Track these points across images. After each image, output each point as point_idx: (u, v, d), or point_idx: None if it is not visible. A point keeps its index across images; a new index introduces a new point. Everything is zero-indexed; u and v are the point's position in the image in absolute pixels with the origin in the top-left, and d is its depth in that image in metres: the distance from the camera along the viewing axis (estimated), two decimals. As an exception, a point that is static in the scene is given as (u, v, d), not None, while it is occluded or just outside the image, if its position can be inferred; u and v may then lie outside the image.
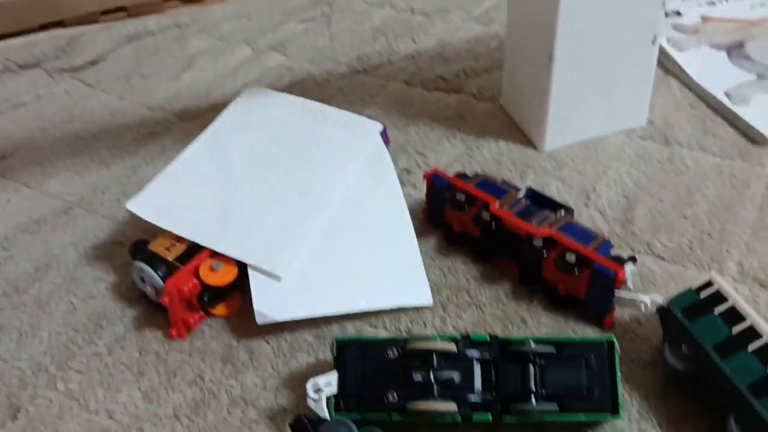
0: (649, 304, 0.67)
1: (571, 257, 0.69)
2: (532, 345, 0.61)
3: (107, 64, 1.15)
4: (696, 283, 0.65)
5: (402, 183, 0.87)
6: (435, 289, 0.74)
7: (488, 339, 0.62)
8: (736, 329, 0.61)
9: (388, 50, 1.13)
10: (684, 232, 0.79)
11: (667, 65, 1.04)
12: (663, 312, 0.64)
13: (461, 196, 0.75)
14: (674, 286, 0.73)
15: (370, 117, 0.89)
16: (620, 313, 0.70)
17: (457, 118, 0.97)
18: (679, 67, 1.03)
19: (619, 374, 0.60)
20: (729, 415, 0.57)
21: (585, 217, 0.81)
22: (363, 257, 0.73)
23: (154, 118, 1.03)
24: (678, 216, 0.81)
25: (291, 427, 0.58)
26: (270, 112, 0.87)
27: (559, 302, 0.72)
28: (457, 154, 0.91)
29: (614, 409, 0.59)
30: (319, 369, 0.67)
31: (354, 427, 0.56)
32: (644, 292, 0.73)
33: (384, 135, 0.87)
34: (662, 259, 0.76)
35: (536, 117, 0.90)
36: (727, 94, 0.97)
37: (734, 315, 0.61)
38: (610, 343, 0.61)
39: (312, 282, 0.71)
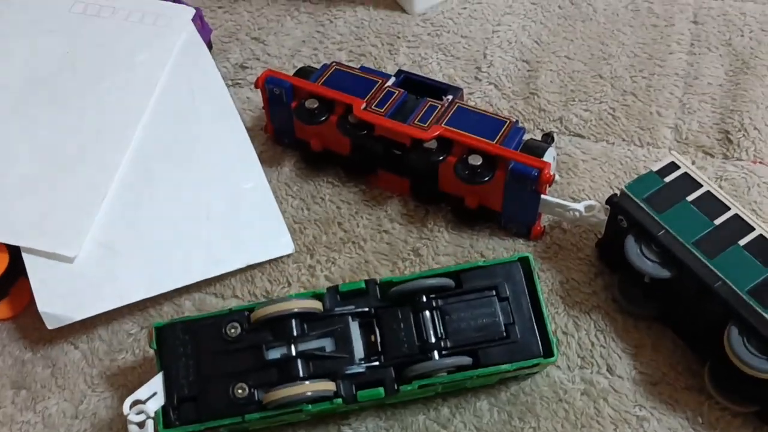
0: (583, 211, 0.50)
1: (475, 160, 0.51)
2: (423, 282, 0.44)
3: None
4: (655, 166, 0.48)
5: (236, 84, 0.66)
6: (296, 228, 0.55)
7: (363, 286, 0.45)
8: (720, 220, 0.46)
9: None
10: (603, 97, 0.62)
11: None
12: (619, 202, 0.47)
13: (312, 103, 0.55)
14: (601, 171, 0.57)
15: (177, 0, 0.65)
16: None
17: (300, -15, 0.75)
18: None
19: (543, 302, 0.44)
20: (729, 328, 0.42)
21: (478, 96, 0.63)
22: (188, 208, 0.53)
23: None
24: (593, 77, 0.63)
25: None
26: (31, 12, 0.62)
27: (468, 217, 0.54)
28: (305, 34, 0.69)
29: (546, 351, 0.43)
30: (150, 372, 0.48)
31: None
32: (565, 185, 0.56)
33: (199, 22, 0.64)
34: (581, 136, 0.59)
35: (399, -30, 0.68)
36: None
37: (713, 203, 0.47)
38: (525, 262, 0.45)
39: (119, 257, 0.50)
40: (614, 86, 0.62)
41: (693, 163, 0.57)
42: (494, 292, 0.44)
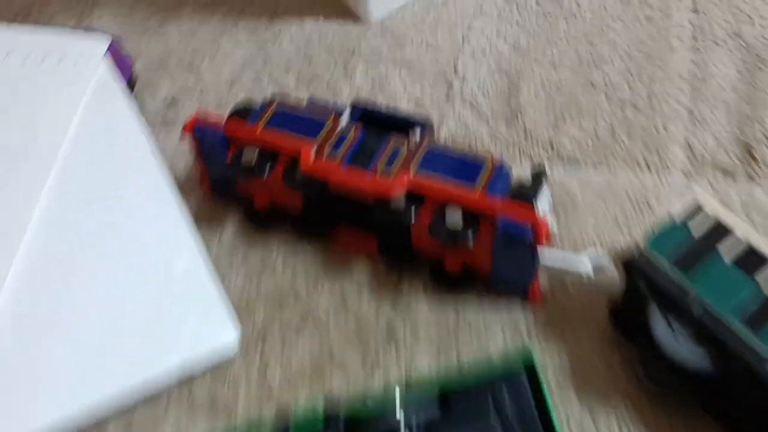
0: (591, 271, 0.41)
1: (454, 218, 0.41)
2: (396, 416, 0.34)
3: None
4: (677, 211, 0.39)
5: (167, 125, 0.55)
6: (244, 307, 0.45)
7: (321, 417, 0.35)
8: (761, 277, 0.36)
9: None
10: (598, 111, 0.52)
11: None
12: (639, 267, 0.38)
13: (250, 154, 0.45)
14: (603, 206, 0.48)
15: (88, 28, 0.55)
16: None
17: (235, -3, 0.64)
18: None
19: (557, 422, 0.35)
20: None
21: (451, 121, 0.53)
22: (101, 306, 0.43)
23: None
24: (584, 86, 0.54)
25: None
26: None
27: (451, 282, 0.45)
28: (246, 57, 0.59)
29: None
30: None
31: None
32: (562, 227, 0.47)
33: (116, 54, 0.54)
34: (576, 162, 0.50)
35: (348, -26, 0.58)
36: None
37: (750, 254, 0.37)
38: (528, 365, 0.36)
39: (13, 383, 0.40)
40: (610, 97, 0.53)
41: (711, 185, 0.48)
42: (494, 411, 0.35)
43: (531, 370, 0.36)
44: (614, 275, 0.41)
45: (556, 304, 0.44)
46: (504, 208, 0.40)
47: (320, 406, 0.36)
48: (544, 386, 0.35)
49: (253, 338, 0.44)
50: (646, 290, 0.38)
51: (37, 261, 0.43)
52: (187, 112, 0.55)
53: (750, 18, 0.56)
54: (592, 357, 0.41)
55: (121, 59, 0.55)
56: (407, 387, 0.36)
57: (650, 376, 0.39)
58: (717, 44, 0.55)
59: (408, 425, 0.34)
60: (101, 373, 0.41)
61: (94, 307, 0.42)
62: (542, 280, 0.44)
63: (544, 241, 0.40)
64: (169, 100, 0.57)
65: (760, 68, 0.53)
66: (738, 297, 0.36)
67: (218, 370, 0.43)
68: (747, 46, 0.55)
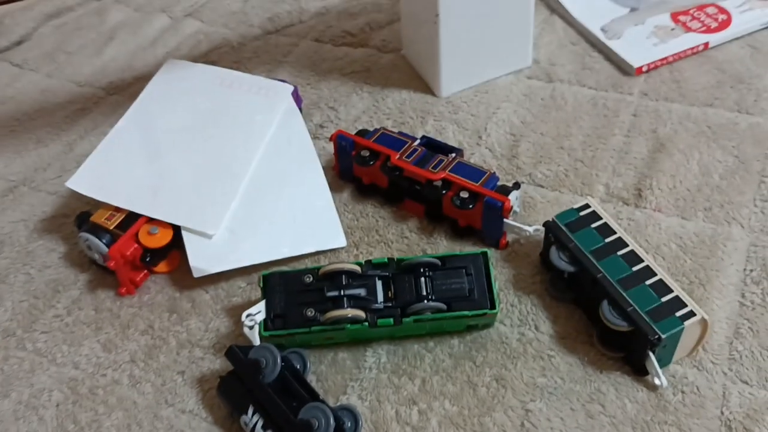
0: (531, 231, 0.80)
1: (464, 194, 0.80)
2: (421, 259, 0.73)
3: (32, 43, 1.20)
4: (576, 205, 0.78)
5: (316, 137, 0.97)
6: (348, 231, 0.85)
7: (386, 261, 0.74)
8: (608, 240, 0.74)
9: (297, 9, 1.21)
10: (561, 162, 0.91)
11: (552, 5, 1.14)
12: (550, 225, 0.76)
13: (365, 153, 0.86)
14: (552, 210, 0.86)
15: (282, 80, 0.98)
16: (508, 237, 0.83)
17: (364, 72, 1.07)
18: (562, 6, 1.13)
19: (493, 278, 0.73)
20: (602, 302, 0.70)
21: (477, 156, 0.93)
22: (283, 210, 0.84)
23: (83, 93, 1.09)
24: (556, 148, 0.93)
25: (226, 356, 0.70)
26: (188, 83, 0.95)
27: (461, 233, 0.84)
28: (365, 106, 1.01)
29: (491, 306, 0.72)
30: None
31: (275, 350, 0.68)
32: (528, 216, 0.85)
33: (296, 95, 0.96)
34: (542, 186, 0.89)
35: (431, 67, 1.00)
36: (603, 30, 1.08)
37: (606, 229, 0.76)
38: (485, 254, 0.74)
39: (240, 236, 0.81)
40: (570, 155, 0.92)
41: (614, 207, 0.85)
42: (464, 271, 0.73)
43: (485, 257, 0.74)
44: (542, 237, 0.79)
45: (513, 250, 0.82)
46: (489, 193, 0.79)
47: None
48: (490, 262, 0.73)
49: (351, 246, 0.84)
50: (552, 238, 0.76)
51: (253, 185, 0.85)
52: (329, 132, 0.97)
53: (665, 123, 0.95)
54: (526, 276, 0.79)
55: (297, 97, 0.97)
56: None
57: (552, 285, 0.77)
58: (641, 135, 0.93)
59: (425, 263, 0.73)
60: (280, 242, 0.82)
61: (280, 214, 0.84)
62: (508, 238, 0.82)
63: (508, 213, 0.79)
64: (319, 124, 0.99)
65: (660, 151, 0.91)
66: (592, 241, 0.74)
67: (332, 257, 0.83)
68: (657, 138, 0.93)
